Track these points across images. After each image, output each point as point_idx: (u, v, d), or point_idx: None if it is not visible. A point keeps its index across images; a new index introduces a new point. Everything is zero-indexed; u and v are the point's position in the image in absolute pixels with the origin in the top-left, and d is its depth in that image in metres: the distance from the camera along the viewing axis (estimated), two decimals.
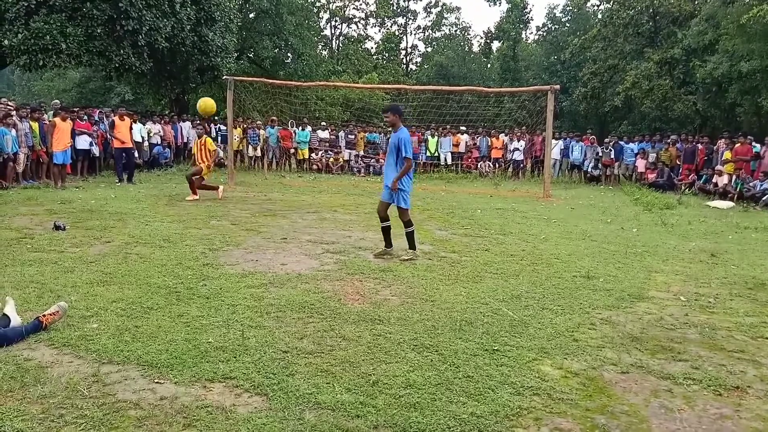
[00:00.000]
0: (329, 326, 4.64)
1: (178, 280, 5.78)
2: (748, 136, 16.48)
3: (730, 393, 3.78)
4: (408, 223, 7.21)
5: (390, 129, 7.34)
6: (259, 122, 20.98)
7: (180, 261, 6.56)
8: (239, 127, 19.74)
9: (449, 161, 21.75)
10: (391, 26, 52.35)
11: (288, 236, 8.30)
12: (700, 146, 17.83)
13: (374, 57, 49.08)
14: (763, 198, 13.96)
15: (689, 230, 10.23)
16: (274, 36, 30.36)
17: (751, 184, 14.81)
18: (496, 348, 4.32)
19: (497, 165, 21.53)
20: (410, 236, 7.23)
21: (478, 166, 21.46)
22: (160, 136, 18.53)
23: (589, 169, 20.10)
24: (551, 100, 14.87)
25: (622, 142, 20.20)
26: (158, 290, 5.44)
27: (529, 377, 3.86)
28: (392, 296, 5.57)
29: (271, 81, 19.70)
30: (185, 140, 20.11)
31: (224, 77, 16.74)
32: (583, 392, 3.70)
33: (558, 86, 16.10)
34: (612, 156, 19.56)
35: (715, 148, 17.41)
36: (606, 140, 20.76)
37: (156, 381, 3.60)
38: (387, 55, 50.75)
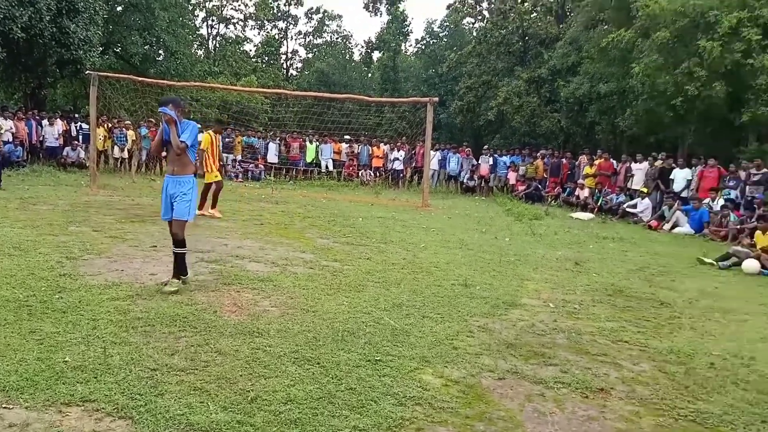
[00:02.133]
0: (203, 340, 4.37)
1: (29, 293, 5.20)
2: (606, 153, 17.99)
3: (595, 395, 3.98)
4: (182, 243, 5.78)
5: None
6: (127, 122, 19.70)
7: (32, 271, 5.92)
8: (103, 126, 18.39)
9: (331, 168, 21.71)
10: (271, 29, 51.53)
11: (158, 244, 7.79)
12: (564, 161, 19.12)
13: (253, 60, 48.02)
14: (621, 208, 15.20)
15: (556, 240, 10.90)
16: (145, 31, 28.73)
17: (608, 197, 16.09)
18: (378, 358, 4.28)
19: (378, 174, 21.79)
20: (182, 260, 5.81)
21: (360, 175, 21.60)
22: (12, 134, 16.84)
23: (465, 180, 20.87)
24: (430, 112, 15.24)
25: (495, 155, 21.19)
26: (6, 304, 4.85)
27: (411, 387, 3.84)
28: (272, 307, 5.37)
29: (140, 79, 18.56)
30: (41, 138, 18.44)
31: (87, 72, 15.56)
32: (463, 400, 3.75)
33: (437, 99, 16.58)
34: (489, 167, 20.43)
35: (577, 163, 18.73)
36: (483, 152, 21.65)
37: (4, 406, 3.21)
38: (267, 58, 49.85)
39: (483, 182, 20.75)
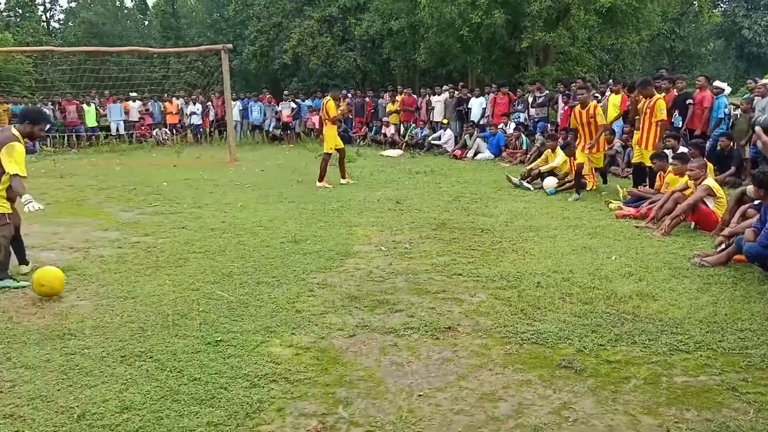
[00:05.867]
0: (3, 355, 3.64)
1: None
2: (409, 89, 18.50)
3: (444, 335, 4.00)
4: None
5: None
6: None
7: None
8: None
9: (122, 131, 19.68)
10: None
11: None
12: (367, 100, 19.32)
13: (4, 14, 41.39)
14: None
15: (373, 181, 10.97)
16: None
17: (414, 132, 16.65)
18: (219, 338, 3.91)
19: (174, 131, 20.25)
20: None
21: (154, 134, 19.91)
22: None
23: (271, 129, 20.25)
24: (225, 60, 14.42)
25: (298, 100, 20.74)
26: None
27: (261, 364, 3.56)
28: (80, 301, 4.67)
29: None
30: None
31: None
32: (319, 367, 3.56)
33: (230, 46, 15.67)
34: (291, 113, 19.94)
35: (379, 101, 19.03)
36: (285, 97, 21.00)
37: None
38: (21, 11, 43.21)
39: (288, 129, 20.27)
